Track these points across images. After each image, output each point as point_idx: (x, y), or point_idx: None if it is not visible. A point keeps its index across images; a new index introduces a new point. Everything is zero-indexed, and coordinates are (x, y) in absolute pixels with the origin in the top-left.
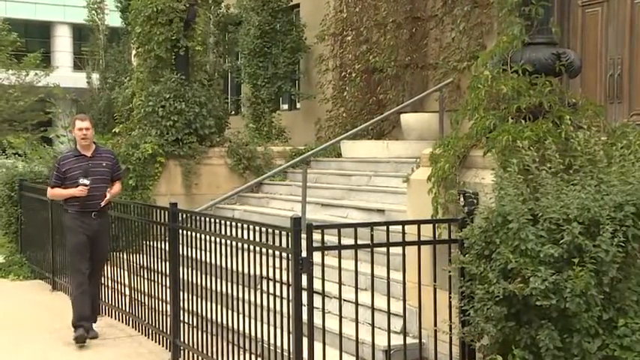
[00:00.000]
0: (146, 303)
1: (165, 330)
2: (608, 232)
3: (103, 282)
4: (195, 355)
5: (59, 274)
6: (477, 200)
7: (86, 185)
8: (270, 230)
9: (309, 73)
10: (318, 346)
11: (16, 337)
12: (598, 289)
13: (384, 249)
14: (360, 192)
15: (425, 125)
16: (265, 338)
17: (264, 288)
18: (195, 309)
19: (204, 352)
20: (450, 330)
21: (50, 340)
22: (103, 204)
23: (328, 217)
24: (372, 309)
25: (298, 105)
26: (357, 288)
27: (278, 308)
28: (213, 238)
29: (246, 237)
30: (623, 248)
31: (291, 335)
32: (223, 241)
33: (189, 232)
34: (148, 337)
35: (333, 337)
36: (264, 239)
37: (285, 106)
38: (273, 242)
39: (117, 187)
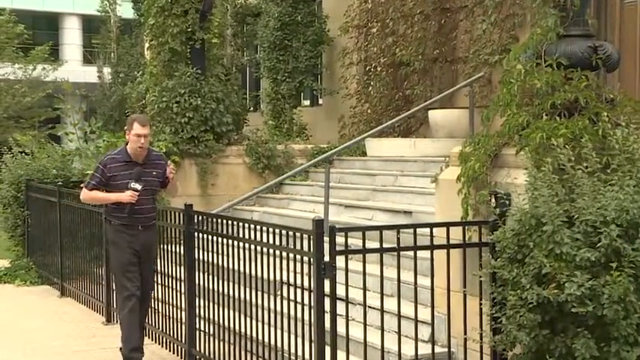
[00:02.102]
0: (160, 310)
1: (180, 338)
2: None
3: (114, 288)
4: None
5: (68, 279)
6: (509, 201)
7: (137, 190)
8: (290, 233)
9: (331, 67)
10: (341, 356)
11: (22, 345)
12: (637, 295)
13: (411, 253)
14: (386, 193)
15: (454, 122)
16: (286, 347)
17: (285, 294)
18: (211, 316)
19: None
20: (481, 338)
21: (58, 348)
22: (170, 173)
23: (352, 219)
24: (399, 316)
25: (320, 101)
26: (382, 294)
27: (299, 315)
28: (230, 242)
29: (265, 240)
30: None
31: (313, 344)
32: (241, 244)
33: (205, 235)
34: (162, 346)
35: (357, 346)
36: (284, 242)
37: (307, 102)
38: (294, 246)
39: (174, 182)
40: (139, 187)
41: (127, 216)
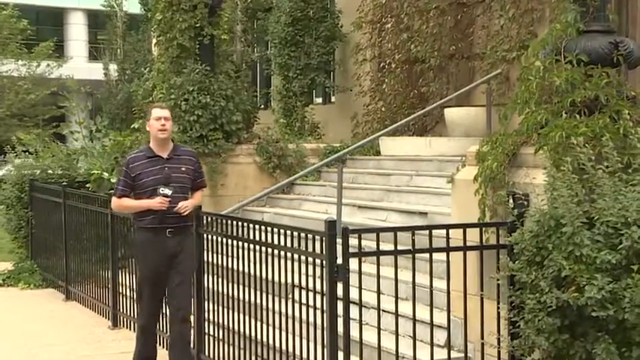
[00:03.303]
0: (166, 313)
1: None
2: None
3: (121, 291)
4: None
5: (73, 282)
6: (528, 202)
7: (168, 196)
8: (302, 235)
9: (344, 64)
10: None
11: (25, 350)
12: None
13: (427, 255)
14: (401, 193)
15: (471, 120)
16: (297, 352)
17: (296, 297)
18: (221, 320)
19: None
20: (499, 343)
21: (63, 353)
22: (182, 210)
23: (366, 220)
24: (414, 320)
25: (333, 98)
26: (397, 297)
27: (311, 319)
28: (240, 244)
29: (276, 242)
30: None
31: (325, 349)
32: (251, 246)
33: (214, 237)
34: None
35: (370, 351)
36: (295, 244)
37: (319, 100)
38: (306, 248)
39: (198, 197)
40: (169, 192)
41: (156, 219)
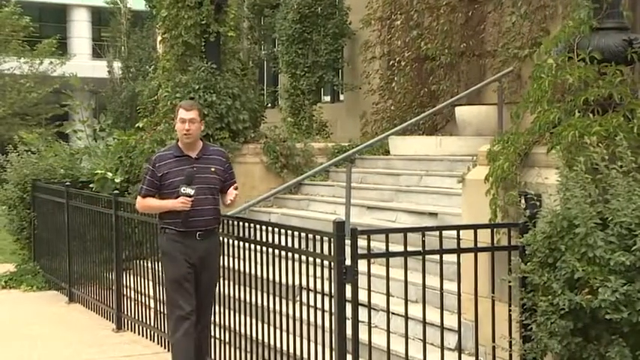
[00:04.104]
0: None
1: None
2: None
3: (125, 293)
4: None
5: (77, 284)
6: (540, 202)
7: (190, 196)
8: (310, 236)
9: (353, 62)
10: None
11: (28, 353)
12: None
13: (437, 256)
14: (410, 193)
15: (482, 119)
16: (305, 355)
17: (304, 300)
18: (227, 323)
19: None
20: (510, 346)
21: (66, 357)
22: (231, 200)
23: (375, 221)
24: (424, 323)
25: (341, 97)
26: (406, 300)
27: (319, 322)
28: (247, 245)
29: (283, 243)
30: None
31: (333, 352)
32: (258, 247)
33: (220, 238)
34: None
35: (380, 355)
36: (303, 246)
37: (327, 98)
38: (314, 249)
39: (232, 194)
40: (191, 191)
41: (182, 222)
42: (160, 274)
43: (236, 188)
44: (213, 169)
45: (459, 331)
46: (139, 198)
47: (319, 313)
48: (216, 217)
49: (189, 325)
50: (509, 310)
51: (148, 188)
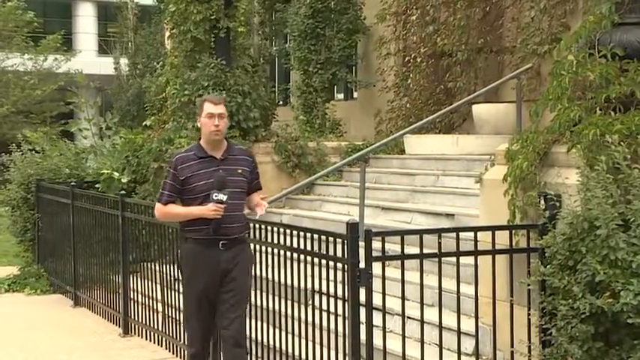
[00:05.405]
0: (181, 321)
1: None
2: None
3: (132, 297)
4: None
5: (82, 287)
6: (560, 203)
7: (222, 202)
8: (323, 237)
9: (367, 58)
10: None
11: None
12: None
13: (454, 259)
14: (426, 194)
15: (500, 117)
16: None
17: (317, 303)
18: None
19: None
20: (529, 352)
21: None
22: (258, 215)
23: (389, 222)
24: (440, 327)
25: (355, 94)
26: (422, 303)
27: (332, 326)
28: (258, 247)
29: (295, 245)
30: None
31: (347, 357)
32: (270, 250)
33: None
34: (181, 359)
35: None
36: (316, 248)
37: (341, 96)
38: (327, 251)
39: (258, 199)
40: (224, 197)
41: (213, 230)
42: (168, 277)
43: (263, 198)
44: (240, 171)
45: (476, 336)
46: (158, 205)
47: (332, 317)
48: (245, 224)
49: (203, 345)
50: (529, 314)
51: (169, 194)
